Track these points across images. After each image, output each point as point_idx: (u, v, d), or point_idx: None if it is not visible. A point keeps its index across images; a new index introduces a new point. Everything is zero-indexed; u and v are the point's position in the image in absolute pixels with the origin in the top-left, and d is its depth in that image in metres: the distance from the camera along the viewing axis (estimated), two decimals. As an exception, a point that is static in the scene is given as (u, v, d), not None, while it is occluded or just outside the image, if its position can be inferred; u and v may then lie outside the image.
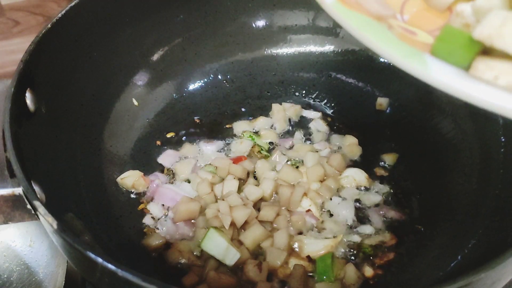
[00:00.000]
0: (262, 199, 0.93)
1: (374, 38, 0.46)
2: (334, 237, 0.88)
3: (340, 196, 0.94)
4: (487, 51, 0.45)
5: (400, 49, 0.45)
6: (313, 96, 1.13)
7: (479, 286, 0.58)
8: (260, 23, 1.16)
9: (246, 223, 0.87)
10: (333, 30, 1.15)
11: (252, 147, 1.02)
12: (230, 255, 0.83)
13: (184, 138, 1.05)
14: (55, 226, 0.60)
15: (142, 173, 0.96)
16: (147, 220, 0.92)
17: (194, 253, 0.86)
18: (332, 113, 1.10)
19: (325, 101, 1.12)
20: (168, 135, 1.06)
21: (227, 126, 1.07)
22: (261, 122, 1.07)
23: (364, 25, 0.47)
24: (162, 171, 0.99)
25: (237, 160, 0.99)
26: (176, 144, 1.04)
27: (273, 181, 0.94)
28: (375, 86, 1.12)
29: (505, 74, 0.42)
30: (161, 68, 1.10)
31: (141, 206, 0.93)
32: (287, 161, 0.99)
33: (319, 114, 1.09)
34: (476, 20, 0.47)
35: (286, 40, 1.17)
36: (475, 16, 0.48)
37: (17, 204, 0.69)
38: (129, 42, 1.04)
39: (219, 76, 1.15)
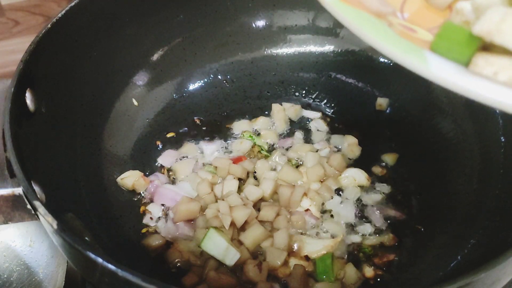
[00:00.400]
0: (262, 199, 0.93)
1: (374, 35, 0.46)
2: (334, 237, 0.88)
3: (340, 196, 0.94)
4: (486, 47, 0.45)
5: (400, 45, 0.45)
6: (313, 96, 1.13)
7: (479, 286, 0.58)
8: (260, 23, 1.16)
9: (246, 223, 0.87)
10: (333, 30, 1.15)
11: (252, 147, 1.02)
12: (230, 255, 0.83)
13: (184, 138, 1.05)
14: (55, 226, 0.60)
15: (142, 173, 0.96)
16: (147, 220, 0.92)
17: (194, 253, 0.86)
18: (332, 113, 1.10)
19: (325, 101, 1.12)
20: (168, 135, 1.06)
21: (227, 126, 1.07)
22: (261, 122, 1.07)
23: (364, 22, 0.47)
24: (162, 171, 1.00)
25: (237, 160, 0.99)
26: (176, 144, 1.04)
27: (273, 181, 0.94)
28: (375, 86, 1.12)
29: (505, 70, 0.43)
30: (161, 68, 1.10)
31: (142, 209, 0.93)
32: (287, 161, 0.99)
33: (319, 114, 1.09)
34: (476, 17, 0.47)
35: (286, 40, 1.17)
36: (475, 13, 0.48)
37: (17, 204, 0.69)
38: (129, 42, 1.04)
39: (219, 76, 1.15)
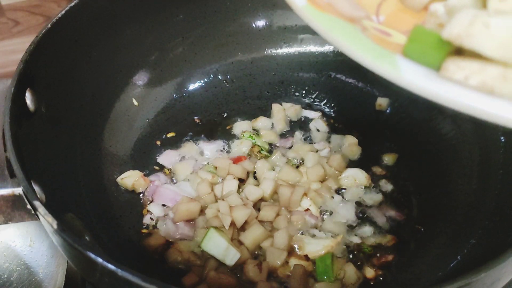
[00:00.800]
0: (262, 199, 0.93)
1: (344, 40, 0.44)
2: (334, 237, 0.88)
3: (340, 196, 0.94)
4: (459, 51, 0.44)
5: (370, 51, 0.44)
6: (313, 96, 1.13)
7: (479, 286, 0.58)
8: (260, 23, 1.16)
9: (246, 223, 0.87)
10: (333, 30, 1.15)
11: (252, 147, 1.02)
12: (230, 255, 0.83)
13: (184, 138, 1.05)
14: (55, 226, 0.60)
15: (142, 173, 0.96)
16: (147, 220, 0.92)
17: (194, 253, 0.86)
18: (332, 113, 1.10)
19: (325, 101, 1.12)
20: (168, 135, 1.06)
21: (227, 126, 1.07)
22: (261, 122, 1.07)
23: (335, 27, 0.45)
24: (162, 171, 1.00)
25: (237, 160, 0.99)
26: (176, 144, 1.04)
27: (273, 181, 0.94)
28: (375, 86, 1.12)
29: (475, 74, 0.41)
30: (161, 68, 1.10)
31: (145, 211, 0.93)
32: (287, 161, 0.99)
33: (319, 114, 1.09)
34: (449, 19, 0.45)
35: (286, 40, 1.17)
36: (448, 15, 0.46)
37: (17, 204, 0.69)
38: (129, 42, 1.04)
39: (219, 76, 1.15)
